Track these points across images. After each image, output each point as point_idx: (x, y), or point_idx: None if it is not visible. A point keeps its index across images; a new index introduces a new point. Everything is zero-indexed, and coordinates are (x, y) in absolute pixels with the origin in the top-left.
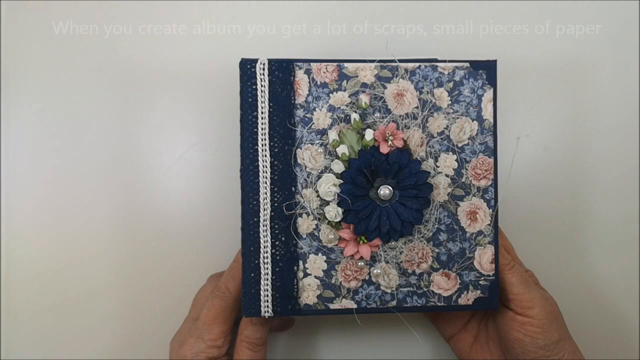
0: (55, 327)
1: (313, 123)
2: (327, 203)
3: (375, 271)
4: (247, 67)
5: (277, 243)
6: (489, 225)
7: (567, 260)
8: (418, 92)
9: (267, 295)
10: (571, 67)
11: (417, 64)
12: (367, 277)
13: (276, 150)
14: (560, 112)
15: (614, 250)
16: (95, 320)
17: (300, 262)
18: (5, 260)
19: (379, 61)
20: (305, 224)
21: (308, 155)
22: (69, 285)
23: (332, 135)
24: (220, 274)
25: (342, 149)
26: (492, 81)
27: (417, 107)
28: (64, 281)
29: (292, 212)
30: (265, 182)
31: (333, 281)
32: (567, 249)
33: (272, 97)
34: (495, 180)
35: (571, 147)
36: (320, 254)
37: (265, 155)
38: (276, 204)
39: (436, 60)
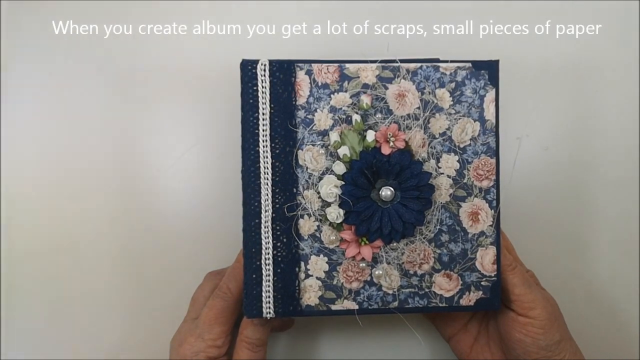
0: (55, 327)
1: (314, 124)
2: (329, 204)
3: (376, 272)
4: (248, 68)
5: (278, 244)
6: (490, 226)
7: (567, 261)
8: (420, 92)
9: (269, 297)
10: (571, 67)
11: (418, 65)
12: (368, 278)
13: (277, 151)
14: (560, 111)
15: (615, 250)
16: (94, 320)
17: (302, 264)
18: (6, 260)
19: (381, 61)
20: (306, 226)
21: (309, 157)
22: (69, 285)
23: (334, 136)
24: (218, 271)
25: (343, 150)
26: (494, 81)
27: (418, 108)
28: (63, 281)
29: (294, 213)
30: (267, 184)
31: (335, 282)
32: (568, 249)
33: (273, 98)
34: (497, 181)
35: (572, 147)
36: (321, 255)
37: (267, 157)
38: (277, 206)
39: (438, 61)
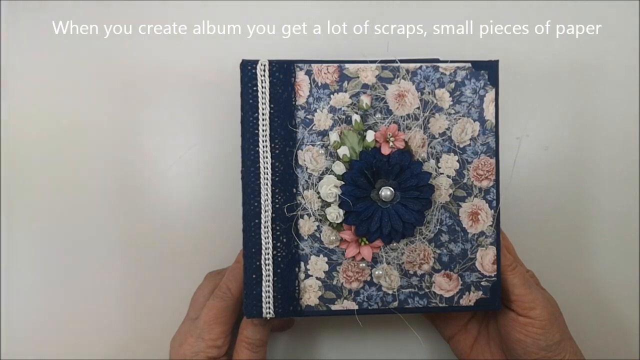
0: (55, 327)
1: (314, 124)
2: (329, 204)
3: (376, 272)
4: (247, 69)
5: (278, 245)
6: (490, 226)
7: (567, 260)
8: (419, 92)
9: (269, 297)
10: (571, 67)
11: (418, 65)
12: (368, 278)
13: (277, 151)
14: (560, 111)
15: (615, 250)
16: (94, 320)
17: (302, 264)
18: (6, 260)
19: (380, 62)
20: (306, 226)
21: (309, 157)
22: (69, 285)
23: (333, 136)
24: (218, 272)
25: (343, 150)
26: (493, 81)
27: (418, 108)
28: (63, 281)
29: (294, 213)
30: (267, 184)
31: (334, 282)
32: (568, 249)
33: (273, 98)
34: (497, 180)
35: (572, 147)
36: (321, 255)
37: (266, 157)
38: (277, 206)
39: (438, 61)
